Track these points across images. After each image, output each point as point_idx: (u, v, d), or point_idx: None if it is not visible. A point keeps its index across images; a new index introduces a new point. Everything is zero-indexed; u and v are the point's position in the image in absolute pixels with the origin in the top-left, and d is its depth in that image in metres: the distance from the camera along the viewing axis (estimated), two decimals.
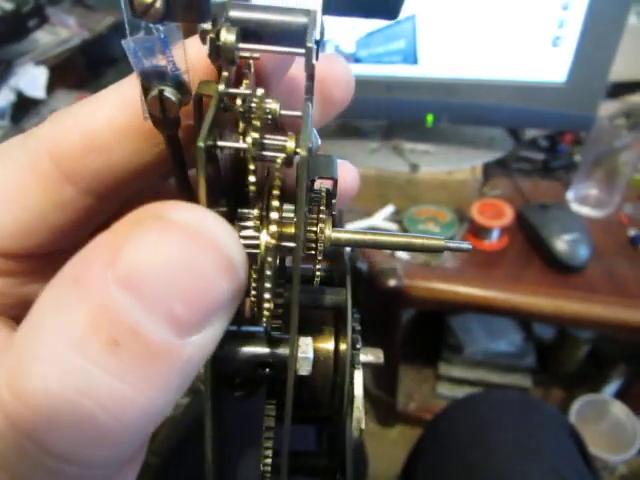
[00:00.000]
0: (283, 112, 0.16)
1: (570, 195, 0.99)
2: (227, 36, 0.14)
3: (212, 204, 0.14)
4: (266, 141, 0.16)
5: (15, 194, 0.18)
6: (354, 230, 0.20)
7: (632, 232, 0.91)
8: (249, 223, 0.17)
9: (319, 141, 0.21)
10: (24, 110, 1.09)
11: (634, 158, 0.93)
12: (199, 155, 0.13)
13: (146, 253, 0.12)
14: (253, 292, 0.18)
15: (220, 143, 0.15)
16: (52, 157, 0.18)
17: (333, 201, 0.20)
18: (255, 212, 0.17)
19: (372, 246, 0.20)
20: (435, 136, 1.04)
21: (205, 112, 0.15)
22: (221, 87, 0.15)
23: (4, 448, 0.13)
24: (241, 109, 0.16)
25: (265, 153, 0.16)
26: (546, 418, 0.71)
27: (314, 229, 0.19)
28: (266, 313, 0.17)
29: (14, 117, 1.07)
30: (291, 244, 0.16)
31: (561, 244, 0.85)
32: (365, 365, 0.23)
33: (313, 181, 0.20)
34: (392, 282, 0.86)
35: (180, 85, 0.15)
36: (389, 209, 0.99)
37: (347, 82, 0.22)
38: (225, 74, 0.15)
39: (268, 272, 0.15)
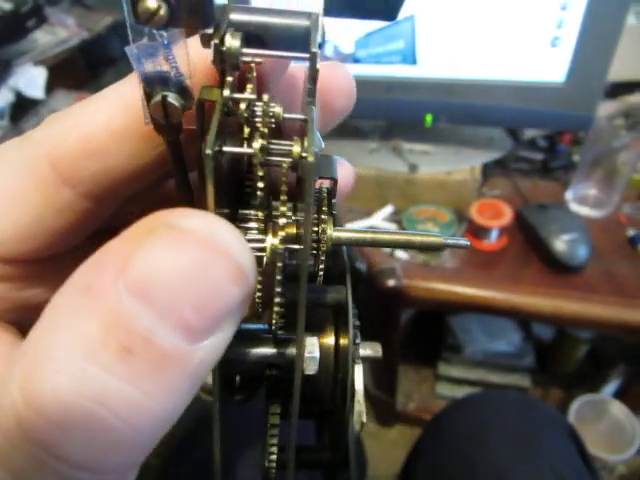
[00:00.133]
0: (286, 115, 0.16)
1: (569, 195, 0.99)
2: (232, 42, 0.14)
3: (217, 208, 0.14)
4: (272, 146, 0.16)
5: (13, 198, 0.18)
6: (354, 229, 0.20)
7: (631, 232, 0.91)
8: (252, 225, 0.17)
9: (322, 144, 0.21)
10: (23, 110, 1.08)
11: (633, 158, 0.93)
12: (207, 162, 0.13)
13: (158, 261, 0.13)
14: (258, 293, 0.18)
15: (226, 149, 0.15)
16: (49, 160, 0.17)
17: (333, 201, 0.20)
18: (259, 214, 0.17)
19: (372, 244, 0.21)
20: (434, 136, 1.04)
21: (208, 117, 0.15)
22: (226, 92, 0.15)
23: (17, 456, 0.13)
24: (245, 114, 0.16)
25: (271, 158, 0.16)
26: (545, 418, 0.71)
27: (316, 229, 0.19)
28: (275, 316, 0.17)
29: (13, 117, 1.07)
30: (297, 246, 0.16)
31: (560, 244, 0.85)
32: (364, 359, 0.24)
33: (314, 182, 0.20)
34: (391, 282, 0.86)
35: (183, 90, 0.15)
36: (388, 209, 0.99)
37: (349, 91, 0.21)
38: (229, 79, 0.15)
39: (278, 277, 0.16)
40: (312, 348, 0.19)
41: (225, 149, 0.15)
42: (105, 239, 0.14)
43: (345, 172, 0.24)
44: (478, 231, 0.91)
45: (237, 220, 0.17)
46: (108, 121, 0.17)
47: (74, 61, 1.21)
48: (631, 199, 0.98)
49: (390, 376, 1.18)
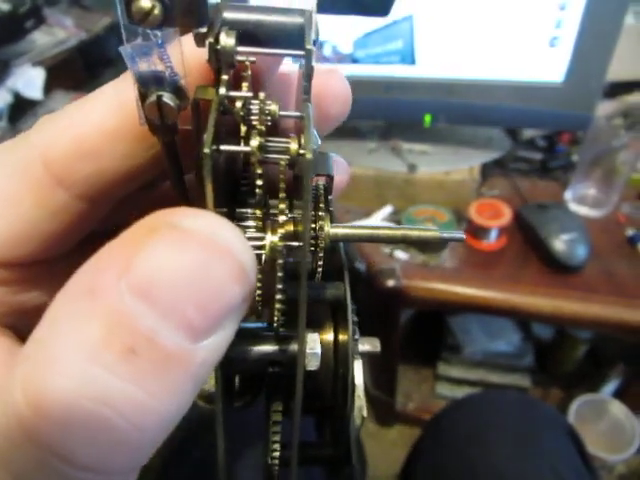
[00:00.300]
0: (283, 113, 0.16)
1: (568, 195, 0.99)
2: (227, 40, 0.14)
3: (216, 207, 0.14)
4: (269, 144, 0.16)
5: (6, 201, 0.18)
6: (352, 225, 0.20)
7: (630, 232, 0.91)
8: (249, 223, 0.17)
9: (319, 141, 0.21)
10: (21, 111, 1.08)
11: (632, 158, 0.93)
12: (205, 162, 0.13)
13: (160, 261, 0.13)
14: (257, 291, 0.18)
15: (223, 147, 0.15)
16: (43, 162, 0.17)
17: (329, 197, 0.20)
18: (257, 212, 0.17)
19: (369, 240, 0.21)
20: (433, 136, 1.04)
21: (203, 116, 0.15)
22: (222, 91, 0.15)
23: (20, 458, 0.13)
24: (241, 112, 0.16)
25: (269, 156, 0.16)
26: (545, 418, 0.71)
27: (313, 226, 0.19)
28: (276, 313, 0.17)
29: (11, 118, 1.06)
30: (296, 243, 0.16)
31: (559, 244, 0.85)
32: (363, 354, 0.24)
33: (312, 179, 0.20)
34: (391, 282, 0.86)
35: (178, 90, 0.15)
36: (387, 209, 0.99)
37: (344, 98, 0.21)
38: (225, 77, 0.15)
39: (280, 274, 0.16)
40: (313, 344, 0.19)
41: (223, 148, 0.15)
42: (99, 241, 0.13)
43: (340, 169, 0.24)
44: (477, 231, 0.91)
45: (234, 219, 0.17)
46: (101, 122, 0.17)
47: (72, 62, 1.21)
48: (630, 199, 0.98)
49: (390, 376, 1.18)
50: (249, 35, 0.15)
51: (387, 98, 0.95)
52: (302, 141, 0.15)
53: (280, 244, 0.16)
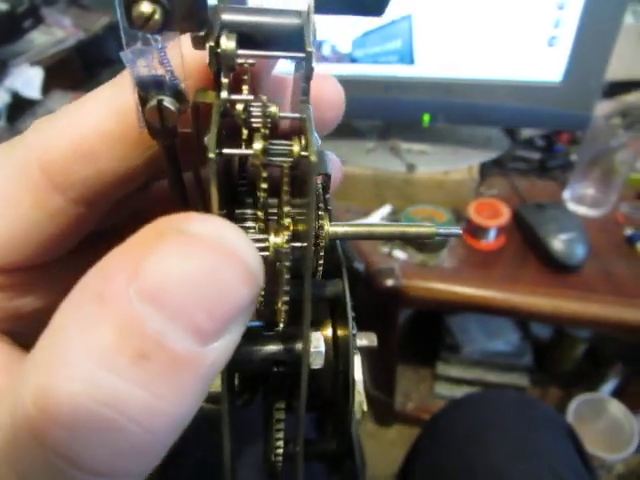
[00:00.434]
0: (283, 115, 0.16)
1: (566, 194, 0.99)
2: (228, 43, 0.14)
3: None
4: (272, 146, 0.16)
5: (4, 205, 0.18)
6: (350, 223, 0.20)
7: (628, 231, 0.91)
8: (249, 224, 0.17)
9: (319, 142, 0.21)
10: (20, 111, 1.08)
11: (630, 157, 0.93)
12: (210, 166, 0.13)
13: (169, 266, 0.13)
14: (261, 292, 0.18)
15: (227, 151, 0.15)
16: (40, 165, 0.17)
17: (327, 196, 0.21)
18: (259, 213, 0.17)
19: (368, 237, 0.21)
20: (432, 136, 1.04)
21: (203, 120, 0.15)
22: (224, 94, 0.15)
23: (30, 462, 0.13)
24: (243, 115, 0.16)
25: (272, 158, 0.16)
26: (543, 417, 0.71)
27: (314, 225, 0.19)
28: (283, 314, 0.17)
29: (9, 118, 1.06)
30: (299, 244, 0.17)
31: (558, 243, 0.85)
32: (361, 349, 0.25)
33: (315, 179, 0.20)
34: (389, 282, 0.86)
35: (178, 94, 0.15)
36: (386, 209, 0.99)
37: (338, 103, 0.22)
38: (225, 81, 0.15)
39: (287, 276, 0.16)
40: (317, 343, 0.19)
41: (226, 151, 0.15)
42: (97, 243, 0.13)
43: (334, 167, 0.24)
44: (476, 231, 0.91)
45: (233, 219, 0.17)
46: (98, 123, 0.17)
47: (71, 61, 1.21)
48: (628, 198, 0.98)
49: (388, 376, 1.18)
50: (246, 37, 0.15)
51: (386, 98, 0.94)
52: (304, 143, 0.15)
53: (285, 246, 0.16)
